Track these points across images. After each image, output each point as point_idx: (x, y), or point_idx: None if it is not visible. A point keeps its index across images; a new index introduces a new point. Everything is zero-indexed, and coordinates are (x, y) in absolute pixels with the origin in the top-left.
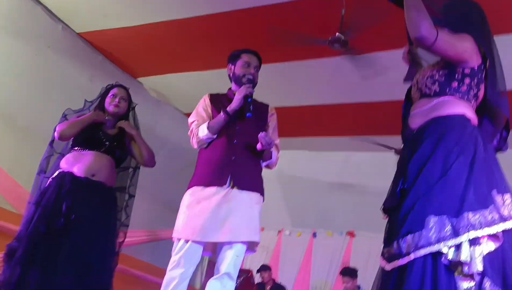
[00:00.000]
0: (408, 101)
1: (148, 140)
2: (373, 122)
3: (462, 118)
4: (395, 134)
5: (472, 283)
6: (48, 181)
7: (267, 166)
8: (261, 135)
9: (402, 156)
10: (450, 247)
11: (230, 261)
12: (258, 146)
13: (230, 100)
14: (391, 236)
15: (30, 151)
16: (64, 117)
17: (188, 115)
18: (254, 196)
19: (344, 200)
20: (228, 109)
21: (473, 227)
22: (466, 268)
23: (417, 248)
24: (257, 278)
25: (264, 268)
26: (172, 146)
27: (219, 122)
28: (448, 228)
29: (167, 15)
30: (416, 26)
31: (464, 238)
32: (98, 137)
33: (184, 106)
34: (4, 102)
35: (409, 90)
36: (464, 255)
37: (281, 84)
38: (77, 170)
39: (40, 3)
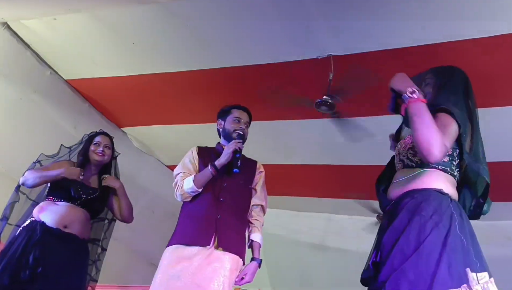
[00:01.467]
0: (390, 168)
1: (129, 190)
2: (359, 185)
3: (439, 192)
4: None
5: None
6: (18, 230)
7: None
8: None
9: (381, 227)
10: None
11: None
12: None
13: (218, 154)
14: None
15: (8, 195)
16: (38, 162)
17: (170, 167)
18: (236, 260)
19: (324, 262)
20: (216, 163)
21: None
22: None
23: None
24: None
25: None
26: (152, 197)
27: (205, 176)
28: None
29: (157, 68)
30: (428, 148)
31: None
32: (75, 190)
33: (167, 158)
34: None
35: (393, 158)
36: None
37: (268, 142)
38: (49, 220)
39: (30, 48)
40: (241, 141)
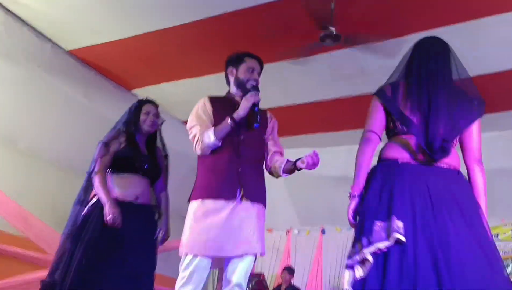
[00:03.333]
0: None
1: None
2: None
3: (379, 165)
4: None
5: None
6: (87, 209)
7: (278, 176)
8: (313, 154)
9: None
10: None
11: (241, 272)
12: (300, 164)
13: (232, 104)
14: None
15: (32, 173)
16: (104, 144)
17: (186, 122)
18: (261, 208)
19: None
20: (235, 116)
21: (349, 257)
22: None
23: None
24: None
25: (289, 270)
26: (173, 154)
27: (225, 129)
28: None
29: (156, 25)
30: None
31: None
32: (139, 161)
33: (182, 114)
34: (2, 125)
35: None
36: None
37: (278, 84)
38: (121, 194)
39: (27, 24)
40: (258, 93)
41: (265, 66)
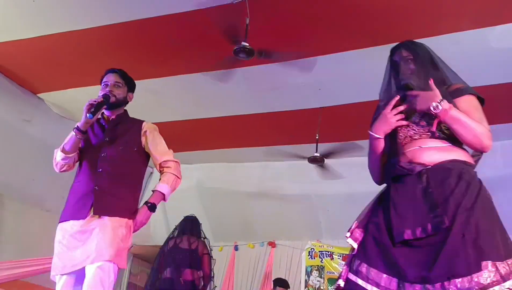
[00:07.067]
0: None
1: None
2: (289, 131)
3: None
4: (308, 143)
5: None
6: None
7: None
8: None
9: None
10: None
11: (87, 282)
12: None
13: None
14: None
15: None
16: None
17: None
18: (119, 221)
19: (264, 210)
20: (78, 124)
21: None
22: None
23: None
24: None
25: None
26: None
27: (71, 139)
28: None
29: (63, 26)
30: (481, 144)
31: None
32: None
33: None
34: None
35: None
36: None
37: (192, 97)
38: None
39: None
40: (95, 100)
41: (178, 77)
